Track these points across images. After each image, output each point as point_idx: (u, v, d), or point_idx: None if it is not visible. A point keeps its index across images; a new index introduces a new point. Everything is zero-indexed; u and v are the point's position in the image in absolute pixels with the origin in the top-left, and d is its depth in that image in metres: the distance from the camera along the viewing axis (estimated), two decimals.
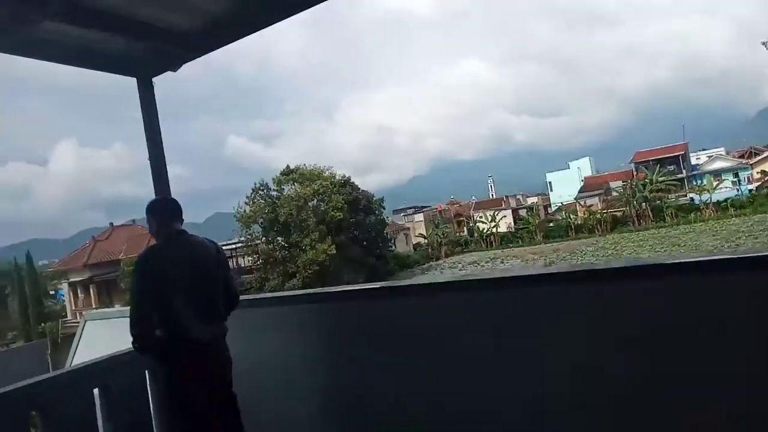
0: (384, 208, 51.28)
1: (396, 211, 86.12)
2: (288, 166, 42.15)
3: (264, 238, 41.03)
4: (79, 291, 41.61)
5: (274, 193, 41.28)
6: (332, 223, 40.80)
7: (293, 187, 41.29)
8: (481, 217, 66.20)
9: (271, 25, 3.05)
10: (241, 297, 3.38)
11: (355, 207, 44.07)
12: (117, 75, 3.35)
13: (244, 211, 40.16)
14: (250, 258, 44.42)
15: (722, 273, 2.41)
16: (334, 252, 39.18)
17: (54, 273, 43.90)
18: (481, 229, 65.23)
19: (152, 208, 3.18)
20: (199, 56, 3.41)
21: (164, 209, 3.21)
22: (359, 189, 46.88)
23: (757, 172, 54.20)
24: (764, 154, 60.53)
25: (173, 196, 3.43)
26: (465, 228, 75.28)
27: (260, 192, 40.73)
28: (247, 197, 40.73)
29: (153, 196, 3.37)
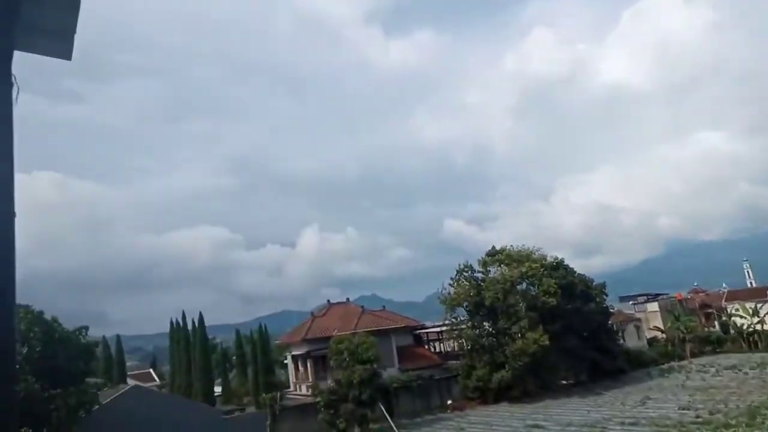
0: (606, 295, 45.12)
1: (623, 299, 76.15)
2: (493, 247, 40.13)
3: (469, 323, 38.96)
4: (299, 364, 44.54)
5: (479, 275, 39.36)
6: (544, 310, 36.89)
7: (499, 268, 38.92)
8: (737, 309, 53.82)
9: None
10: None
11: (571, 292, 39.43)
12: None
13: (448, 293, 38.93)
14: (455, 343, 42.52)
15: None
16: (547, 342, 34.97)
17: (282, 344, 48.16)
18: (738, 325, 52.82)
19: None
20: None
21: None
22: (575, 273, 42.17)
23: None
24: None
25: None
26: (715, 322, 62.10)
27: (464, 273, 39.25)
28: (451, 279, 39.62)
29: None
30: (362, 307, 45.56)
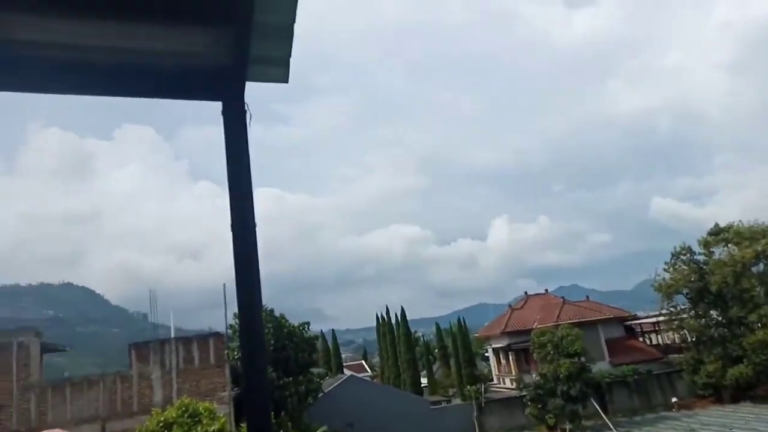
0: None
1: None
2: (716, 224, 34.79)
3: (692, 311, 34.40)
4: (501, 356, 44.21)
5: (701, 257, 34.48)
6: None
7: (726, 249, 33.59)
8: None
9: None
10: None
11: None
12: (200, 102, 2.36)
13: (663, 279, 34.86)
14: (675, 334, 37.94)
15: None
16: None
17: (480, 337, 48.39)
18: None
19: None
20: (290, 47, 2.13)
21: None
22: None
23: None
24: None
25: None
26: None
27: (682, 256, 34.75)
28: (665, 263, 35.40)
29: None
30: (563, 297, 43.50)
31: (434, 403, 38.88)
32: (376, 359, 65.51)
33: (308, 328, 27.27)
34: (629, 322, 43.03)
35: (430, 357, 56.58)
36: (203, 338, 18.61)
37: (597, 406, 30.26)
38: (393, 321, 49.06)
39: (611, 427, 28.55)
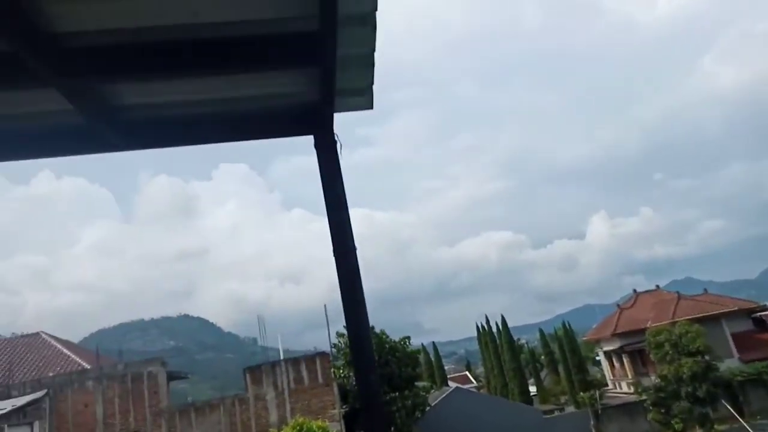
0: None
1: None
2: None
3: None
4: (613, 359, 41.71)
5: None
6: None
7: None
8: None
9: None
10: None
11: None
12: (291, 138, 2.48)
13: None
14: None
15: None
16: None
17: (589, 341, 45.97)
18: None
19: None
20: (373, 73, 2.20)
21: None
22: None
23: None
24: None
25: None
26: None
27: None
28: None
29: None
30: (677, 292, 40.40)
31: (546, 412, 37.42)
32: (480, 369, 64.24)
33: (409, 342, 27.35)
34: (758, 314, 39.03)
35: (537, 364, 54.57)
36: (310, 358, 19.24)
37: (730, 408, 27.61)
38: (494, 330, 48.04)
39: (749, 430, 25.89)
